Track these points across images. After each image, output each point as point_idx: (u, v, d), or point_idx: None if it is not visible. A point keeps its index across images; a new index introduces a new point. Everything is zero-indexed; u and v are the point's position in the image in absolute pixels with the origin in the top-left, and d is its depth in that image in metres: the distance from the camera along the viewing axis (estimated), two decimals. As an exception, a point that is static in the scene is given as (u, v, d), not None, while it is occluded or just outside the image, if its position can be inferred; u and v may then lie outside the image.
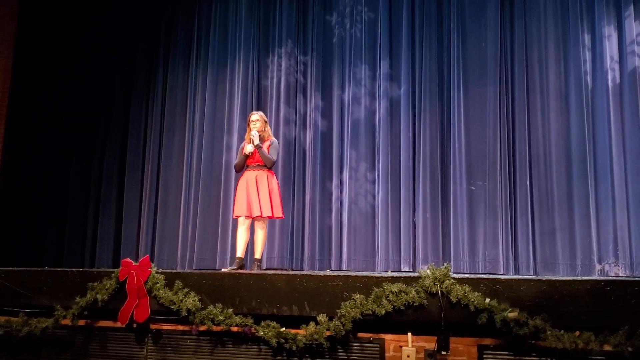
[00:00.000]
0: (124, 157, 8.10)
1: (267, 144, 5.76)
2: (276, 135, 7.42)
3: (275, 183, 5.73)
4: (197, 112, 7.91)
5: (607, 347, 3.56)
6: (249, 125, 5.79)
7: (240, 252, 5.64)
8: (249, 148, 5.66)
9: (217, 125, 7.78)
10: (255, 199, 5.55)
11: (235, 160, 6.08)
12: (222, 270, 5.52)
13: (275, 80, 7.67)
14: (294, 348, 4.04)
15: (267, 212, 5.56)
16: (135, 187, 7.99)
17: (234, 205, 5.82)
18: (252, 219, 5.67)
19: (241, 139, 7.41)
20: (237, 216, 5.70)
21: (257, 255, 5.70)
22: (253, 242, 5.81)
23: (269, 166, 5.67)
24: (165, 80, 8.15)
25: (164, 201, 7.84)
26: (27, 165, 7.92)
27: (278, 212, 5.70)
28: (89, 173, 8.14)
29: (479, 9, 7.04)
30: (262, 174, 5.64)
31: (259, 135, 5.70)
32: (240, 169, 5.81)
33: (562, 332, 3.60)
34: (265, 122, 5.84)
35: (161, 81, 8.15)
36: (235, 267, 5.51)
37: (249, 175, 5.67)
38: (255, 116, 5.80)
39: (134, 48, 8.32)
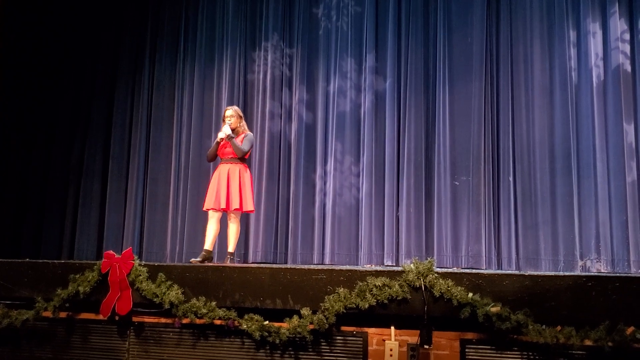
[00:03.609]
0: (107, 148, 7.99)
1: (241, 137, 5.78)
2: (262, 129, 7.44)
3: (247, 177, 5.74)
4: (185, 106, 7.83)
5: (587, 342, 3.60)
6: (223, 120, 5.81)
7: (208, 244, 5.70)
8: (219, 135, 5.69)
9: (206, 120, 7.71)
10: (224, 192, 5.58)
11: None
12: (191, 260, 5.51)
13: (261, 74, 7.62)
14: (277, 341, 4.04)
15: (235, 205, 5.57)
16: (120, 179, 7.89)
17: (205, 198, 5.84)
18: (223, 211, 5.72)
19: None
20: (207, 209, 5.75)
21: (230, 249, 5.72)
22: (227, 236, 5.83)
23: (240, 156, 5.67)
24: (152, 73, 8.05)
25: (153, 194, 7.77)
26: (6, 155, 7.78)
27: (248, 206, 5.70)
28: (68, 163, 8.03)
29: (465, 4, 7.05)
30: (235, 167, 5.66)
31: (234, 129, 5.74)
32: (212, 158, 5.89)
33: (543, 327, 3.64)
34: (240, 116, 5.87)
35: (148, 74, 8.04)
36: (201, 260, 5.52)
37: (221, 169, 5.70)
38: (230, 111, 5.81)
39: (120, 40, 8.20)
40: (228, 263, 5.52)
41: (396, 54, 7.19)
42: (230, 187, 5.59)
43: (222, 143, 5.73)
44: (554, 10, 6.81)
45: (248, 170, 5.83)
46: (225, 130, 5.66)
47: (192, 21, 8.01)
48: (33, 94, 7.97)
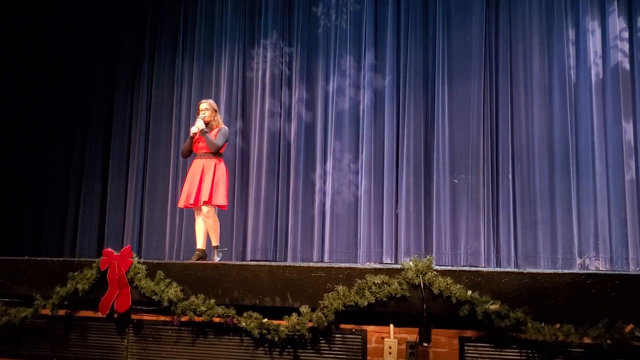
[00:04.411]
0: (108, 147, 8.01)
1: (215, 131, 5.66)
2: (261, 127, 7.43)
3: (222, 171, 5.59)
4: (183, 103, 7.84)
5: (586, 340, 3.60)
6: (198, 113, 5.69)
7: (200, 243, 5.65)
8: (192, 129, 5.58)
9: (204, 117, 7.71)
10: (195, 187, 5.47)
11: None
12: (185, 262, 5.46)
13: (260, 71, 7.62)
14: (276, 339, 4.03)
15: (204, 198, 5.42)
16: (121, 177, 7.90)
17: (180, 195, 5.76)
18: (193, 207, 5.61)
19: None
20: (180, 207, 5.72)
21: (214, 243, 5.62)
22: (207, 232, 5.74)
23: (213, 151, 5.54)
24: (152, 71, 8.05)
25: (152, 192, 7.78)
26: (6, 155, 7.79)
27: (219, 200, 5.53)
28: (69, 162, 8.04)
29: (464, 2, 7.05)
30: (210, 162, 5.54)
31: (208, 123, 5.63)
32: (186, 154, 5.78)
33: (542, 324, 3.64)
34: (215, 110, 5.74)
35: (147, 72, 8.05)
36: (195, 259, 5.48)
37: (196, 164, 5.59)
38: (205, 105, 5.68)
39: (120, 40, 8.21)
40: (216, 257, 5.48)
41: (395, 52, 7.19)
42: (202, 182, 5.46)
43: (195, 137, 5.61)
44: (553, 9, 6.81)
45: (223, 164, 5.69)
46: (198, 125, 5.55)
47: (191, 18, 8.01)
48: (33, 94, 7.97)
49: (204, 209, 5.52)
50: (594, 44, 6.64)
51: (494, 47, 6.98)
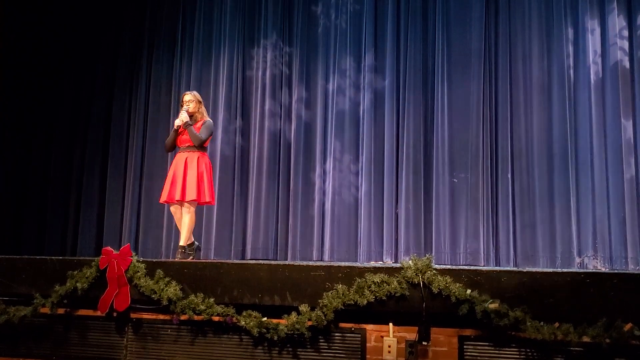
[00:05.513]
0: (106, 146, 8.01)
1: (199, 124, 5.48)
2: (261, 127, 7.43)
3: (205, 165, 5.42)
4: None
5: (585, 339, 3.60)
6: (182, 105, 5.53)
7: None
8: (176, 122, 5.44)
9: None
10: (180, 182, 5.29)
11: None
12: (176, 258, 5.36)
13: (260, 71, 7.62)
14: (276, 338, 4.03)
15: (191, 196, 5.26)
16: (119, 176, 7.90)
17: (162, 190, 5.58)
18: (179, 202, 5.41)
19: (225, 130, 7.41)
20: (162, 202, 5.55)
21: (182, 242, 5.39)
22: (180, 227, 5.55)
23: (197, 144, 5.35)
24: (150, 70, 8.05)
25: (149, 191, 7.77)
26: (6, 155, 7.80)
27: (206, 197, 5.38)
28: (70, 162, 8.05)
29: (463, 2, 7.06)
30: (193, 156, 5.36)
31: (192, 115, 5.49)
32: (170, 147, 5.62)
33: (541, 323, 3.64)
34: (200, 102, 5.55)
35: (145, 71, 8.04)
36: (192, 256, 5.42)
37: (179, 158, 5.42)
38: (189, 96, 5.50)
39: (118, 37, 8.22)
40: (178, 258, 5.32)
41: (395, 52, 7.19)
42: (187, 176, 5.29)
43: (179, 130, 5.44)
44: (552, 8, 6.82)
45: (207, 158, 5.54)
46: (182, 117, 5.38)
47: (190, 18, 8.00)
48: (33, 94, 7.97)
49: (186, 204, 5.36)
50: (593, 42, 6.65)
51: (493, 46, 6.99)
